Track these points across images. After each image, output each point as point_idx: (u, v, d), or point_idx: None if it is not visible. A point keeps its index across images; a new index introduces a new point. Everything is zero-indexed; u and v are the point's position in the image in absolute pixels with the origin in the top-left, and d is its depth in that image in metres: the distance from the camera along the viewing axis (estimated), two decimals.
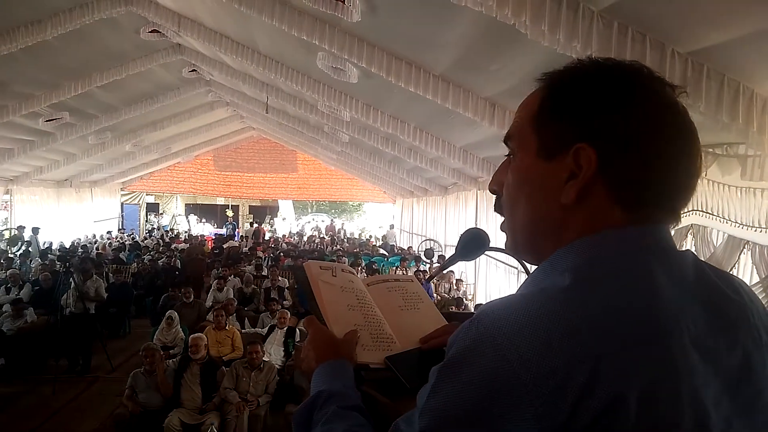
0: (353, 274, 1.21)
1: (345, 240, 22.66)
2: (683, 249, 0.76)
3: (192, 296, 8.68)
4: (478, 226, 1.26)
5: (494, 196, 0.86)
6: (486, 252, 1.22)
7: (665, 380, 0.59)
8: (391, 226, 24.33)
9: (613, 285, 0.65)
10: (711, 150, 4.16)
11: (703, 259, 0.78)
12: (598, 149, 0.70)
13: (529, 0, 3.43)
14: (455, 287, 11.02)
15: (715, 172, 4.21)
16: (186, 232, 25.41)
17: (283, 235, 23.99)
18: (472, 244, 1.19)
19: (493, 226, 0.85)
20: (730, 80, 3.31)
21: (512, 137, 0.82)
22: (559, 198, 0.73)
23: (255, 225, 25.11)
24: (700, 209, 4.41)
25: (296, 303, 9.52)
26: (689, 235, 4.79)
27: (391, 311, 1.17)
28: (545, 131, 0.75)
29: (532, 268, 0.82)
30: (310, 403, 0.91)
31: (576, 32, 3.42)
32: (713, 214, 4.28)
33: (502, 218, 0.85)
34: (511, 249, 0.84)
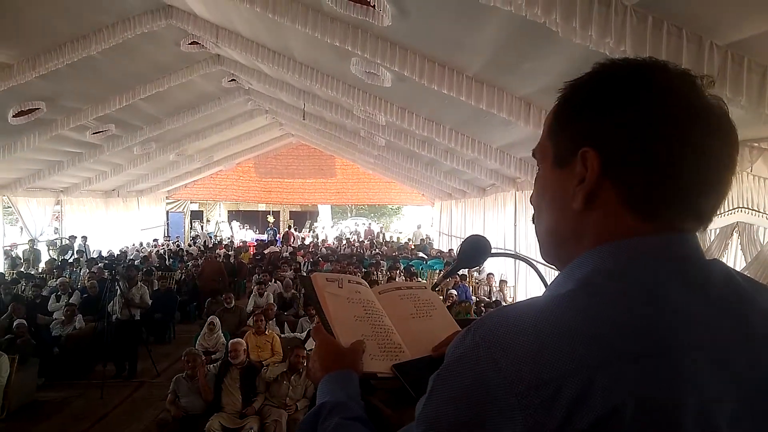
0: (361, 284, 1.21)
1: (383, 243, 22.69)
2: (712, 258, 0.72)
3: (233, 302, 8.85)
4: (479, 233, 1.23)
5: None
6: (488, 257, 1.20)
7: (666, 395, 0.56)
8: (418, 226, 24.34)
9: (617, 295, 0.63)
10: (756, 145, 4.00)
11: (735, 270, 0.74)
12: (601, 152, 0.68)
13: None
14: (498, 288, 10.90)
15: (761, 168, 4.05)
16: (229, 238, 25.91)
17: (322, 240, 24.21)
18: (473, 251, 1.18)
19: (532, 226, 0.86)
20: None
21: (537, 151, 0.82)
22: (572, 205, 0.72)
23: (285, 230, 25.43)
24: (745, 206, 4.24)
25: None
26: (734, 234, 4.61)
27: (402, 319, 1.17)
28: (559, 139, 0.76)
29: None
30: (314, 415, 0.92)
31: (609, 28, 3.33)
32: (760, 211, 4.11)
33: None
34: (543, 256, 0.84)
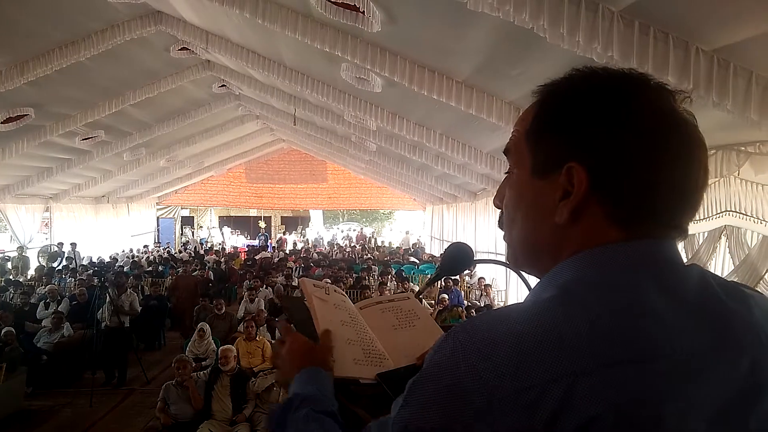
0: (345, 295, 1.22)
1: (375, 248, 22.68)
2: (690, 263, 0.72)
3: (223, 308, 8.81)
4: (462, 241, 1.23)
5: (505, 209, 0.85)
6: (472, 265, 1.20)
7: (645, 401, 0.57)
8: (407, 232, 24.46)
9: (600, 302, 0.63)
10: (743, 148, 4.03)
11: (713, 274, 0.74)
12: (588, 167, 0.68)
13: (546, 3, 3.39)
14: (485, 292, 10.92)
15: (748, 171, 4.08)
16: (220, 244, 25.81)
17: (314, 245, 24.18)
18: (455, 259, 1.18)
19: None
20: (758, 77, 3.20)
21: (510, 152, 0.81)
22: (554, 217, 0.71)
23: (280, 236, 25.43)
24: (733, 210, 4.27)
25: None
26: (723, 237, 4.64)
27: (385, 331, 1.17)
28: (538, 149, 0.74)
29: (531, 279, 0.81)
30: (287, 404, 0.93)
31: (596, 34, 3.36)
32: (747, 215, 4.14)
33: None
34: (512, 263, 0.83)
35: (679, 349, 0.60)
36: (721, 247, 4.72)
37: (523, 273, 0.86)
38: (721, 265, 4.83)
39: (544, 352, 0.58)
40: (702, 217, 4.63)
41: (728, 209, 4.34)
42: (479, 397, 0.58)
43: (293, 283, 11.57)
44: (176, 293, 11.13)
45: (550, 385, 0.56)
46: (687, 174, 0.69)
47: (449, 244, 1.22)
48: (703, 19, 3.21)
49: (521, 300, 0.73)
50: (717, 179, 4.43)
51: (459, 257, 1.17)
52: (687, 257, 5.30)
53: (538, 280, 0.76)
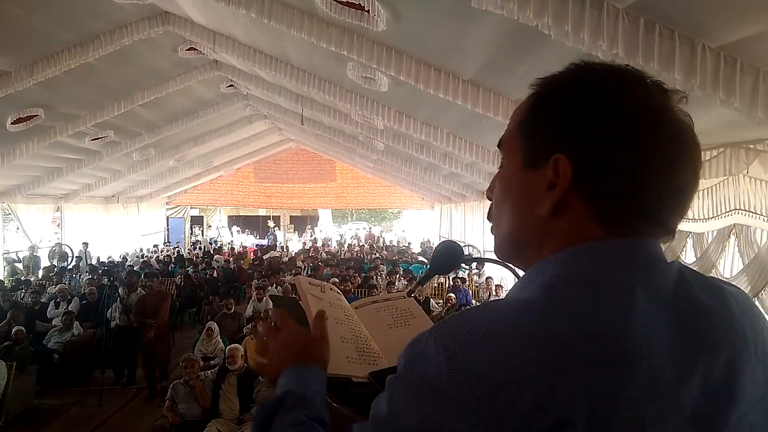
0: (340, 294, 1.21)
1: (384, 248, 22.68)
2: (673, 260, 0.71)
3: (233, 307, 8.84)
4: (451, 239, 1.23)
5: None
6: (461, 263, 1.19)
7: (625, 402, 0.57)
8: (403, 230, 24.63)
9: (578, 301, 0.62)
10: (752, 147, 3.99)
11: (690, 269, 0.73)
12: (573, 160, 0.68)
13: (551, 0, 3.37)
14: (494, 293, 10.89)
15: (757, 169, 4.03)
16: (229, 243, 25.90)
17: (322, 244, 24.23)
18: (445, 257, 1.17)
19: None
20: (765, 74, 3.16)
21: (503, 144, 0.81)
22: (538, 210, 0.71)
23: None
24: (742, 208, 4.22)
25: None
26: (732, 236, 4.60)
27: (380, 330, 1.17)
28: (529, 140, 0.75)
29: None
30: (278, 403, 0.87)
31: (601, 31, 3.32)
32: (756, 213, 4.09)
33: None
34: (499, 254, 0.83)
35: (657, 350, 0.60)
36: (731, 246, 4.68)
37: (513, 266, 0.86)
38: (731, 264, 4.79)
39: (525, 350, 0.57)
40: (711, 216, 4.59)
41: (737, 208, 4.29)
42: (458, 394, 0.58)
43: None
44: (140, 319, 8.05)
45: (530, 382, 0.56)
46: (675, 174, 0.68)
47: (439, 242, 1.21)
48: (709, 16, 3.17)
49: None
50: (725, 178, 4.38)
51: (448, 256, 1.16)
52: (696, 256, 5.26)
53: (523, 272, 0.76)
